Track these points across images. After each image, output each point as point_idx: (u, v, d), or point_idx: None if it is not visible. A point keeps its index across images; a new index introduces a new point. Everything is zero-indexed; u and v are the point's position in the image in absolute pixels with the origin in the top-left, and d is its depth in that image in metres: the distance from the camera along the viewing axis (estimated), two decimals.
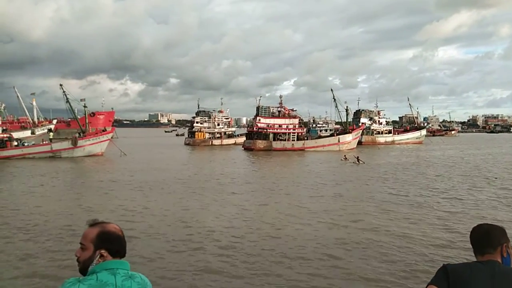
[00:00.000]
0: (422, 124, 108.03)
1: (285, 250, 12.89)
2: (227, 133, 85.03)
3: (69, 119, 58.79)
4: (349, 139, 70.75)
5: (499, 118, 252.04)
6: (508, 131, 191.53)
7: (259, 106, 70.61)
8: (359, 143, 75.13)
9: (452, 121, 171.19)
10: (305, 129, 77.27)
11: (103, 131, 55.10)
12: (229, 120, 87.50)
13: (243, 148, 67.80)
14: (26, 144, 51.52)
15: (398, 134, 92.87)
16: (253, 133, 68.64)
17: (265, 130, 68.02)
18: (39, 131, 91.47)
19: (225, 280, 10.54)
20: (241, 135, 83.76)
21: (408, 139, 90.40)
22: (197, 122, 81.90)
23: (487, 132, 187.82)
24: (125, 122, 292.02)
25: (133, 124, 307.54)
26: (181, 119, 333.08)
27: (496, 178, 30.78)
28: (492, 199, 21.80)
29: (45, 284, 10.28)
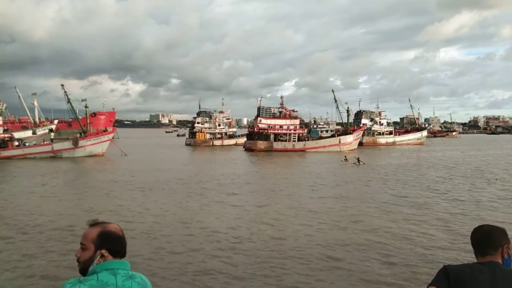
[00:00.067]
0: (423, 125, 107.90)
1: (286, 251, 12.88)
2: (228, 133, 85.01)
3: (70, 119, 58.96)
4: (350, 140, 70.72)
5: (500, 119, 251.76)
6: (509, 132, 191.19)
7: (260, 107, 70.59)
8: (360, 144, 75.07)
9: (453, 122, 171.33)
10: (306, 130, 77.24)
11: (104, 131, 55.18)
12: (230, 120, 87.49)
13: (244, 149, 67.79)
14: (27, 144, 51.56)
15: (399, 135, 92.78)
16: (254, 134, 68.62)
17: (266, 131, 67.99)
18: (40, 131, 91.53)
19: (225, 281, 10.54)
20: (242, 135, 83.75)
21: (409, 140, 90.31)
22: (198, 123, 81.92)
23: (488, 133, 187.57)
24: (126, 122, 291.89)
25: (134, 124, 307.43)
26: (182, 119, 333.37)
27: (496, 179, 30.74)
28: (493, 200, 21.78)
29: (45, 284, 10.28)
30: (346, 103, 79.22)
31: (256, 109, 70.76)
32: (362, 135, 77.57)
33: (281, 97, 73.53)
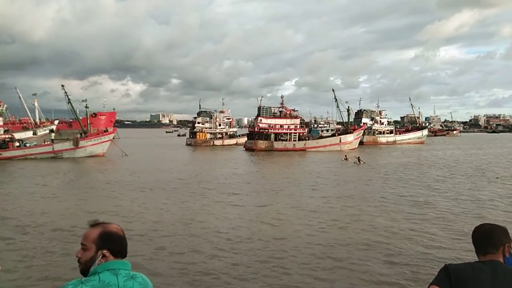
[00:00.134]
0: (423, 124, 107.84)
1: (286, 251, 12.88)
2: (228, 133, 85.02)
3: (71, 120, 59.00)
4: (351, 139, 70.71)
5: (501, 118, 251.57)
6: (510, 131, 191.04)
7: (260, 107, 70.59)
8: (361, 143, 75.06)
9: (454, 121, 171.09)
10: (306, 129, 77.21)
11: (105, 131, 55.13)
12: (231, 120, 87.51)
13: (244, 149, 67.79)
14: (28, 144, 51.63)
15: (400, 134, 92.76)
16: (255, 134, 68.62)
17: (267, 131, 67.99)
18: (41, 132, 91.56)
19: (225, 281, 10.53)
20: (243, 135, 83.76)
21: (409, 139, 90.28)
22: (198, 123, 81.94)
23: (489, 132, 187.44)
24: (126, 122, 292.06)
25: (134, 124, 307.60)
26: (182, 119, 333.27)
27: (497, 178, 30.72)
28: (494, 199, 21.76)
29: (46, 285, 10.29)
30: (346, 102, 79.23)
31: (257, 109, 70.80)
32: (363, 134, 77.56)
33: (282, 97, 73.62)
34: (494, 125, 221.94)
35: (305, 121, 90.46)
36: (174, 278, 10.70)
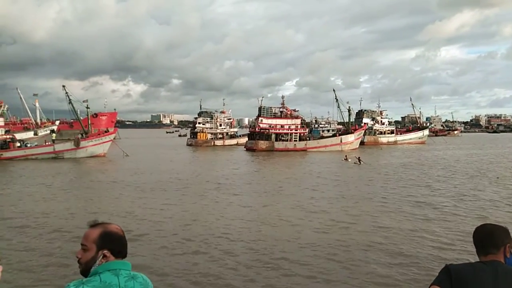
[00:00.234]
0: (424, 124, 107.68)
1: (287, 251, 12.87)
2: (229, 133, 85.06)
3: (72, 120, 58.84)
4: (352, 139, 70.67)
5: (502, 118, 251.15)
6: (511, 131, 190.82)
7: (261, 107, 70.59)
8: (362, 143, 75.04)
9: (455, 121, 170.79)
10: (307, 130, 77.20)
11: (106, 132, 55.17)
12: (231, 120, 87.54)
13: (245, 149, 67.79)
14: (29, 145, 51.71)
15: (401, 134, 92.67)
16: (255, 134, 68.63)
17: (267, 131, 67.99)
18: (42, 132, 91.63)
19: (226, 282, 10.53)
20: (243, 135, 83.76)
21: (410, 139, 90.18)
22: (199, 123, 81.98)
23: (490, 132, 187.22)
24: (127, 123, 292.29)
25: (135, 125, 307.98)
26: (183, 119, 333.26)
27: (498, 178, 30.69)
28: (495, 199, 21.73)
29: (46, 285, 10.29)
30: (347, 102, 79.31)
31: (257, 109, 70.80)
32: (364, 135, 77.52)
33: (282, 97, 73.65)
34: (495, 125, 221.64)
35: (306, 121, 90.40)
36: (174, 278, 10.70)
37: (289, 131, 68.97)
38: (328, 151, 63.53)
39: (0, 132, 49.27)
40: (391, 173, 34.50)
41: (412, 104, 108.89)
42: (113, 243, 2.35)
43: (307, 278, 10.67)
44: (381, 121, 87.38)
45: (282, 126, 69.41)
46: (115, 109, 73.86)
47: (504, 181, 28.80)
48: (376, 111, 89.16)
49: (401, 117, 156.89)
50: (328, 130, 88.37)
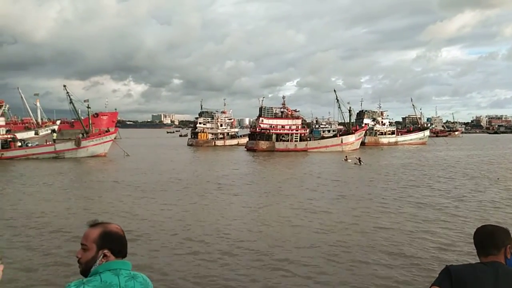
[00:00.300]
0: (425, 125, 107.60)
1: (287, 252, 12.87)
2: (230, 133, 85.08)
3: (73, 120, 58.83)
4: (352, 139, 70.64)
5: (503, 119, 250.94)
6: None
7: (262, 107, 70.60)
8: (362, 143, 75.02)
9: (456, 122, 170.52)
10: (308, 130, 77.22)
11: (106, 131, 55.20)
12: (232, 120, 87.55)
13: (245, 149, 67.80)
14: (30, 144, 51.74)
15: (401, 135, 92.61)
16: (256, 134, 68.63)
17: (268, 131, 67.99)
18: (42, 132, 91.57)
19: (225, 283, 10.52)
20: (244, 135, 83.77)
21: (411, 140, 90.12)
22: (200, 123, 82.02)
23: (491, 133, 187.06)
24: (128, 122, 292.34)
25: (136, 124, 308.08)
26: (184, 119, 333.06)
27: (498, 178, 30.66)
28: (496, 200, 21.71)
29: (46, 286, 10.30)
30: (348, 103, 79.30)
31: (258, 109, 70.83)
32: (364, 135, 77.52)
33: (283, 97, 73.70)
34: (496, 126, 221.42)
35: (307, 121, 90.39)
36: (174, 278, 10.70)
37: (290, 131, 68.97)
38: (329, 152, 63.50)
39: (1, 131, 49.31)
40: (392, 173, 34.47)
41: (413, 105, 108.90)
42: (113, 243, 2.35)
43: (307, 279, 10.66)
44: (382, 122, 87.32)
45: (283, 126, 69.41)
46: (116, 109, 73.77)
47: (505, 182, 28.77)
48: (377, 112, 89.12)
49: (402, 117, 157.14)
50: (329, 131, 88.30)
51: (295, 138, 68.54)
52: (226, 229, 15.61)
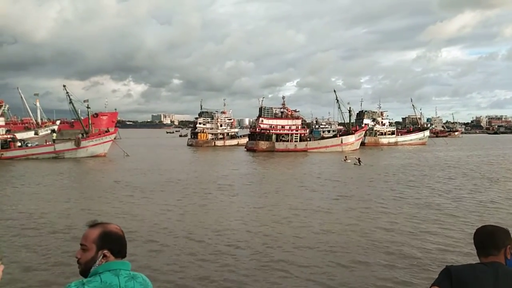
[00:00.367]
0: (425, 125, 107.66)
1: (286, 253, 12.87)
2: (229, 134, 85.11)
3: (73, 120, 58.84)
4: (352, 140, 70.67)
5: (503, 119, 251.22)
6: None
7: (261, 107, 70.62)
8: (362, 144, 75.03)
9: (456, 122, 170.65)
10: (307, 130, 77.26)
11: (106, 132, 55.22)
12: (232, 121, 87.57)
13: (245, 149, 67.82)
14: (29, 145, 51.74)
15: (401, 135, 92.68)
16: (256, 134, 68.65)
17: (268, 131, 68.01)
18: (42, 132, 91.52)
19: (225, 283, 10.51)
20: (244, 136, 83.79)
21: (411, 140, 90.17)
22: (200, 123, 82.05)
23: (491, 134, 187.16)
24: (128, 123, 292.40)
25: (136, 125, 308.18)
26: (184, 120, 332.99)
27: (498, 179, 30.67)
28: (496, 201, 21.70)
29: (46, 286, 10.29)
30: (348, 103, 79.34)
31: (258, 110, 70.84)
32: (364, 135, 77.54)
33: (283, 97, 73.77)
34: (496, 126, 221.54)
35: (307, 122, 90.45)
36: (174, 278, 10.69)
37: (290, 131, 68.99)
38: (329, 152, 63.51)
39: (1, 131, 49.30)
40: (391, 174, 34.48)
41: (413, 105, 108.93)
42: (113, 243, 2.34)
43: (307, 280, 10.65)
44: (382, 122, 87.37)
45: (282, 126, 69.43)
46: (115, 109, 73.79)
47: (505, 183, 28.78)
48: (376, 112, 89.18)
49: (402, 118, 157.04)
50: (329, 131, 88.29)
51: (295, 139, 68.57)
52: (225, 229, 15.60)
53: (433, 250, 12.95)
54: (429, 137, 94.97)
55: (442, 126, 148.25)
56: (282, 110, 71.46)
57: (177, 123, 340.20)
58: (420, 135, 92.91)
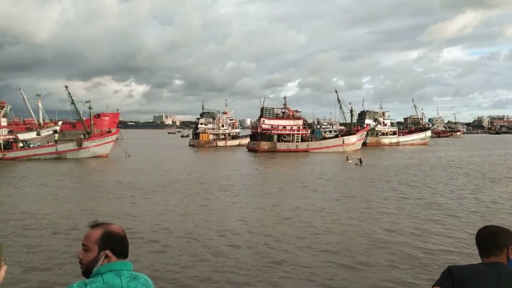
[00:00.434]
0: (427, 125, 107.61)
1: (288, 253, 12.86)
2: (231, 134, 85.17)
3: (75, 121, 59.22)
4: (354, 140, 70.61)
5: (505, 119, 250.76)
6: None
7: (263, 107, 70.64)
8: (364, 144, 74.97)
9: (457, 122, 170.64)
10: (309, 131, 77.21)
11: (108, 132, 55.32)
12: (233, 121, 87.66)
13: (247, 150, 67.82)
14: (31, 145, 51.86)
15: (403, 135, 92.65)
16: (257, 135, 68.65)
17: (269, 132, 68.01)
18: (44, 133, 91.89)
19: (226, 284, 10.51)
20: (245, 136, 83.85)
21: (413, 140, 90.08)
22: (201, 124, 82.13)
23: (492, 134, 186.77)
24: (130, 123, 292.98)
25: (138, 125, 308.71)
26: (185, 120, 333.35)
27: (500, 179, 30.59)
28: (498, 201, 21.65)
29: (48, 286, 10.31)
30: (349, 103, 79.41)
31: (259, 110, 70.88)
32: (366, 136, 77.48)
33: (284, 98, 73.82)
34: (498, 126, 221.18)
35: (308, 122, 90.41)
36: (175, 279, 10.69)
37: (291, 132, 68.97)
38: (330, 152, 63.47)
39: (3, 132, 49.42)
40: (393, 174, 34.43)
41: (415, 105, 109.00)
42: (115, 244, 2.34)
43: (309, 280, 10.64)
44: (383, 122, 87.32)
45: (284, 127, 69.41)
46: (117, 110, 74.18)
47: (507, 183, 28.71)
48: (378, 112, 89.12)
49: (404, 118, 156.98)
50: (330, 131, 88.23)
51: (296, 139, 68.54)
52: (227, 230, 15.60)
53: (435, 250, 12.92)
54: (430, 137, 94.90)
55: (444, 126, 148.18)
56: (283, 110, 71.46)
57: (178, 124, 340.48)
58: (421, 135, 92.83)
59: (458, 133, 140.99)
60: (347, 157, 47.34)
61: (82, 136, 51.89)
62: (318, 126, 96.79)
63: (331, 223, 16.55)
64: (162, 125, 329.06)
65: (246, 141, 76.85)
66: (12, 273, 10.48)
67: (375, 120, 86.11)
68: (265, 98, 74.81)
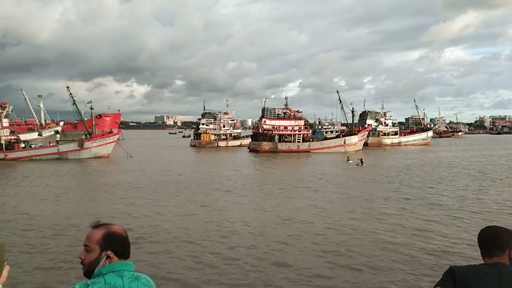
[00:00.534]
0: (428, 126, 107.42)
1: (288, 254, 12.86)
2: (232, 134, 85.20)
3: (76, 121, 59.14)
4: (355, 140, 70.55)
5: (507, 119, 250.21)
6: None
7: (264, 108, 70.64)
8: (365, 144, 74.90)
9: (459, 123, 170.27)
10: (310, 131, 77.18)
11: (110, 133, 55.37)
12: (235, 121, 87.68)
13: (248, 150, 67.81)
14: (33, 146, 51.97)
15: (405, 135, 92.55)
16: (259, 135, 68.65)
17: (271, 132, 68.00)
18: (46, 133, 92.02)
19: (226, 285, 10.51)
20: (247, 136, 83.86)
21: (414, 140, 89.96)
22: (202, 124, 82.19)
23: (494, 134, 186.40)
24: (131, 124, 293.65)
25: (139, 126, 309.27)
26: (187, 120, 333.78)
27: (501, 179, 30.53)
28: (500, 201, 21.61)
29: (49, 286, 10.32)
30: (351, 103, 79.42)
31: (261, 110, 70.87)
32: (367, 136, 77.38)
33: (286, 98, 73.82)
34: (500, 126, 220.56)
35: (309, 122, 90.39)
36: (176, 279, 10.70)
37: (293, 132, 68.94)
38: (332, 153, 63.43)
39: (5, 133, 49.52)
40: (395, 174, 34.39)
41: (416, 106, 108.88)
42: (117, 244, 2.34)
43: (310, 281, 10.63)
44: (385, 123, 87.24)
45: (285, 127, 69.40)
46: (119, 110, 74.10)
47: (509, 183, 28.64)
48: (379, 112, 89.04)
49: (405, 118, 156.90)
50: (332, 132, 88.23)
51: (297, 139, 68.51)
52: (228, 230, 15.60)
53: (437, 250, 12.90)
54: (432, 137, 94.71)
55: (446, 127, 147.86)
56: (284, 110, 71.45)
57: (180, 124, 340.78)
58: (423, 135, 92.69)
59: (459, 133, 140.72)
60: (348, 157, 47.32)
61: (83, 137, 51.97)
62: (320, 127, 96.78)
63: (333, 224, 16.53)
64: (164, 126, 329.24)
65: (247, 141, 76.86)
66: (13, 274, 10.49)
67: (377, 120, 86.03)
68: (266, 98, 75.08)
